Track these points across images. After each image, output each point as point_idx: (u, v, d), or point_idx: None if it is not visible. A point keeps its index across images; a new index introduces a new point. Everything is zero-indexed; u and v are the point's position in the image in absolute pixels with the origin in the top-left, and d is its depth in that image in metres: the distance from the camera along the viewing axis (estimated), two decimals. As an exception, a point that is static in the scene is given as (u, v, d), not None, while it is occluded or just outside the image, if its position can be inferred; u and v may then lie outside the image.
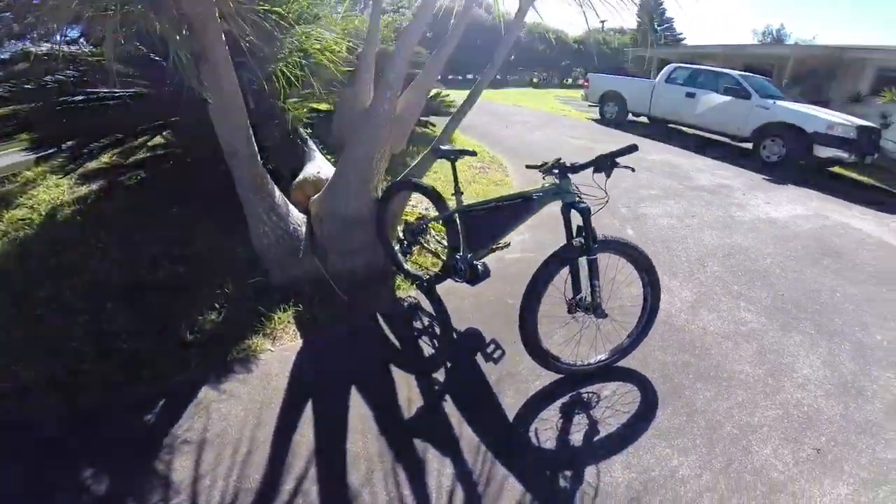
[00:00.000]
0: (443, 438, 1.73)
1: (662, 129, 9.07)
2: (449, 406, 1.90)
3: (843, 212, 5.15)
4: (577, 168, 1.90)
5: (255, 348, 2.07)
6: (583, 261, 1.92)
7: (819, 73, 8.63)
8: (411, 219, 2.99)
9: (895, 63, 8.03)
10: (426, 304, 2.61)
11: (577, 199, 1.91)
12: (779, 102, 6.65)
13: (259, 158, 2.39)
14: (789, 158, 6.39)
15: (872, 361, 2.57)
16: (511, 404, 1.94)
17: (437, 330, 2.42)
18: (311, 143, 3.36)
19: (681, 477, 1.68)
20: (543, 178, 2.07)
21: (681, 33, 20.05)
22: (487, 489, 1.56)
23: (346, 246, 2.65)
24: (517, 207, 2.08)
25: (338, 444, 1.65)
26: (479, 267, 2.29)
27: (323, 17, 3.14)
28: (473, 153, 2.38)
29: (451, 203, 2.41)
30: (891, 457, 1.89)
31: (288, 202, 2.64)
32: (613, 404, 2.01)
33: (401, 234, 2.87)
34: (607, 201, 1.90)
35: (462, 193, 2.34)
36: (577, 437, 1.82)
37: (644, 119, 9.33)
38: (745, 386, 2.26)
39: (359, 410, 1.82)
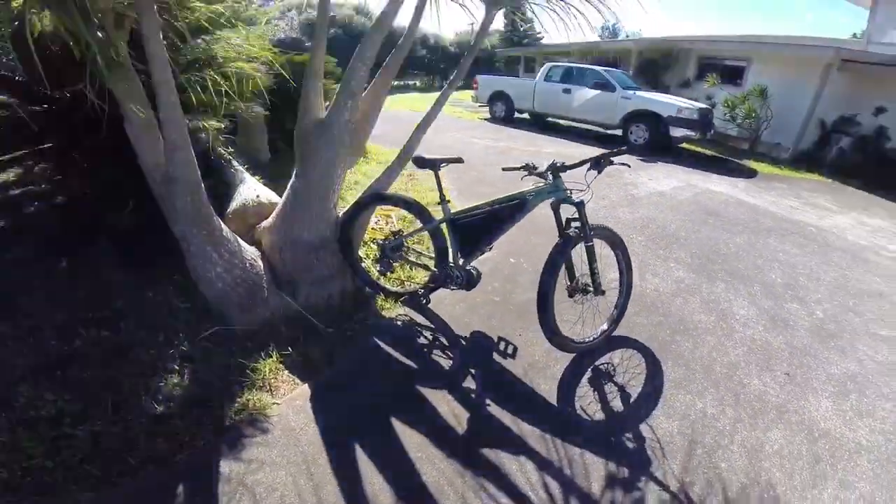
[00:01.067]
0: (507, 439, 1.80)
1: (543, 124, 10.18)
2: (494, 408, 1.96)
3: (704, 180, 6.45)
4: (567, 167, 2.16)
5: (257, 405, 1.82)
6: (579, 247, 2.18)
7: (658, 64, 10.65)
8: (380, 236, 2.88)
9: (711, 52, 10.29)
10: (420, 318, 2.56)
11: (569, 194, 2.12)
12: (638, 93, 8.05)
13: (203, 186, 2.06)
14: (652, 140, 7.70)
15: (780, 297, 3.29)
16: (548, 390, 2.10)
17: (444, 340, 2.41)
18: (235, 163, 2.98)
19: (712, 415, 2.04)
20: (521, 179, 2.29)
21: (539, 32, 22.61)
22: (574, 470, 1.69)
23: (315, 274, 2.45)
24: (513, 209, 2.20)
25: (413, 478, 1.58)
26: (473, 272, 2.34)
27: (244, 21, 2.81)
28: (460, 160, 2.38)
29: (436, 213, 2.40)
30: (838, 371, 2.50)
31: (235, 235, 2.31)
32: (627, 369, 2.32)
33: (372, 254, 2.74)
34: (580, 201, 2.14)
35: (449, 201, 2.34)
36: (616, 404, 2.07)
37: (525, 115, 10.32)
38: (708, 332, 2.73)
39: (412, 439, 1.75)
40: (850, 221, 5.54)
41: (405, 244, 2.55)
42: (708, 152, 8.93)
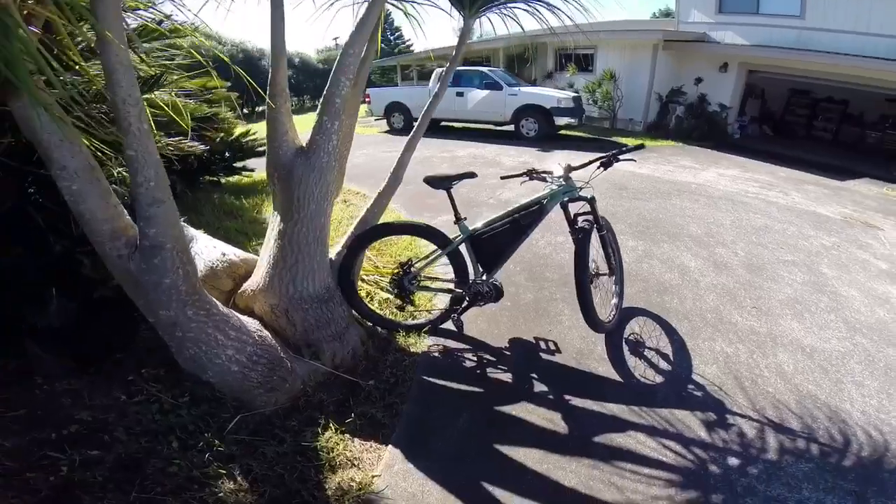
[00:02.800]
0: (604, 421, 2.01)
1: (438, 129, 10.52)
2: (575, 401, 2.13)
3: (589, 157, 7.37)
4: (576, 168, 2.45)
5: (357, 486, 1.64)
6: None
7: (523, 59, 11.83)
8: (383, 273, 2.71)
9: (564, 44, 11.68)
10: (452, 343, 2.53)
11: (579, 191, 2.33)
12: (522, 89, 8.93)
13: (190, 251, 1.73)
14: (541, 131, 8.55)
15: (708, 245, 4.05)
16: (605, 370, 2.35)
17: (488, 356, 2.45)
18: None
19: (733, 353, 2.53)
20: (521, 184, 2.56)
21: (409, 40, 23.32)
22: (674, 426, 1.98)
23: (333, 330, 2.24)
24: (533, 214, 2.34)
25: (555, 486, 1.69)
26: (499, 285, 2.39)
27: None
28: (474, 175, 2.39)
29: (451, 234, 2.42)
30: (783, 296, 3.22)
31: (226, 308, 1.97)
32: (649, 334, 2.70)
33: (373, 293, 2.57)
34: (592, 196, 2.45)
35: (465, 219, 2.32)
36: (662, 365, 2.43)
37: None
38: (682, 287, 3.32)
39: (528, 454, 1.83)
40: (713, 175, 6.86)
41: (420, 273, 2.44)
42: (582, 135, 10.26)
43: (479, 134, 9.97)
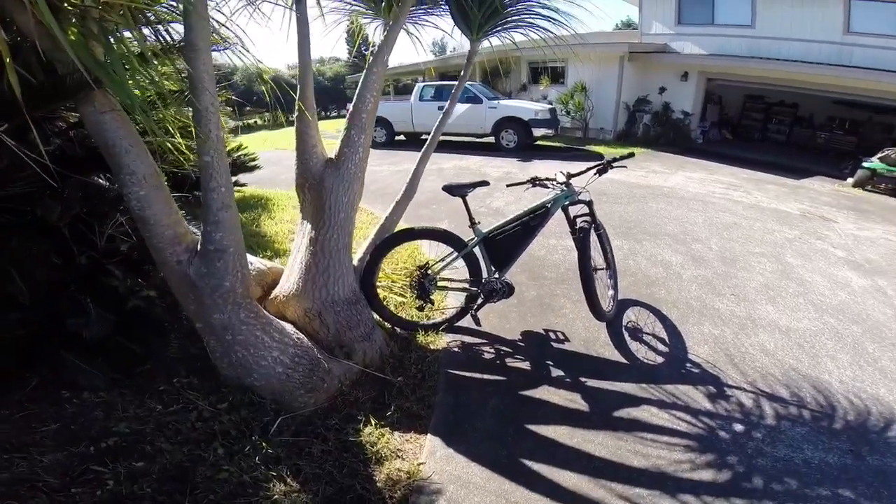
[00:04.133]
0: (620, 399, 2.23)
1: (419, 142, 10.73)
2: (591, 382, 2.35)
3: (576, 168, 7.70)
4: (575, 175, 2.66)
5: (406, 476, 1.75)
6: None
7: (498, 72, 12.22)
8: (394, 279, 2.85)
9: (536, 57, 12.19)
10: (469, 339, 2.68)
11: (579, 195, 2.54)
12: (501, 102, 9.25)
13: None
14: (520, 142, 8.88)
15: (685, 242, 4.39)
16: (611, 355, 2.57)
17: (505, 348, 2.62)
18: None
19: (720, 334, 2.80)
20: (524, 191, 2.74)
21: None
22: (681, 399, 2.21)
23: (363, 331, 2.37)
24: (540, 217, 2.54)
25: (585, 457, 1.84)
26: (510, 282, 2.57)
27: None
28: (486, 183, 2.58)
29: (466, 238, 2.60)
30: (756, 284, 3.62)
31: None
32: (644, 321, 2.95)
33: (394, 296, 2.73)
34: (590, 199, 2.69)
35: (479, 223, 2.51)
36: (661, 347, 2.67)
37: (401, 137, 10.74)
38: (667, 279, 3.60)
39: (557, 431, 1.99)
40: (682, 179, 7.29)
41: (438, 275, 2.61)
42: (558, 145, 10.67)
43: (461, 146, 10.21)
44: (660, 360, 2.52)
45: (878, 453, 1.89)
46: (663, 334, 2.77)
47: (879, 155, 7.58)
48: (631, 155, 2.74)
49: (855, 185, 7.64)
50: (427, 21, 2.90)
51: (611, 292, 2.95)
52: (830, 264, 4.05)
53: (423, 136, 10.60)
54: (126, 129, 1.52)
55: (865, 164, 7.59)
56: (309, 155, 2.26)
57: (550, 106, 9.74)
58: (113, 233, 2.23)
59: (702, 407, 2.13)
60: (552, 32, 2.65)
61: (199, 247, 1.74)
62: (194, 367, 2.06)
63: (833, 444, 1.93)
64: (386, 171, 7.70)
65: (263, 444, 1.74)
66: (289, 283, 2.33)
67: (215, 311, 1.78)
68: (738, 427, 2.00)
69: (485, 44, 2.75)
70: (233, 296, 1.77)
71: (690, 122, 10.94)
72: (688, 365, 2.46)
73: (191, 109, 1.58)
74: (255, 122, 22.33)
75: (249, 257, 2.57)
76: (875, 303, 3.32)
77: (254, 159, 5.32)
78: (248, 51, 1.72)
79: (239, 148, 5.31)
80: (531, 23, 2.62)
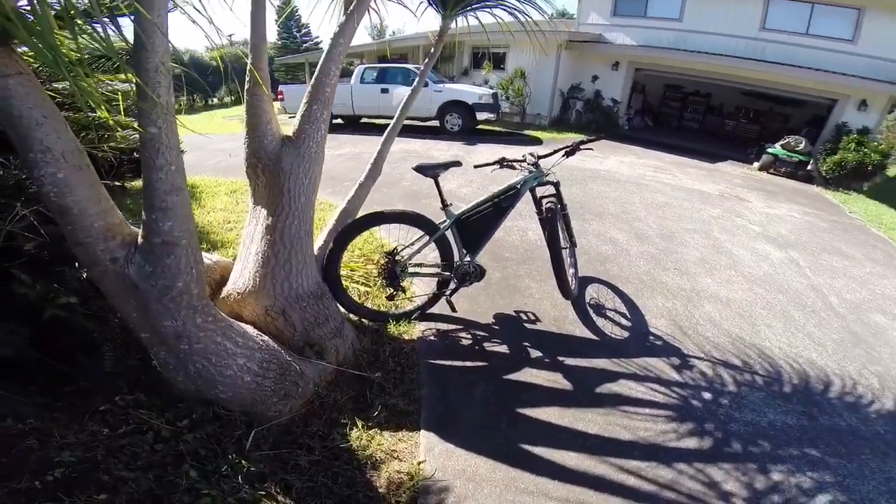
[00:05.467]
0: (597, 373, 2.30)
1: (358, 125, 10.30)
2: (569, 360, 2.38)
3: (518, 151, 7.79)
4: (544, 156, 2.64)
5: (408, 475, 1.64)
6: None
7: (442, 56, 11.97)
8: (369, 266, 2.65)
9: (482, 42, 12.13)
10: (443, 325, 2.59)
11: (546, 176, 2.50)
12: (447, 85, 9.05)
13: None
14: (464, 126, 8.82)
15: (628, 221, 4.53)
16: (581, 332, 2.64)
17: (481, 333, 2.56)
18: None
19: (672, 307, 2.96)
20: (491, 171, 2.69)
21: (318, 37, 22.10)
22: (650, 371, 2.29)
23: (332, 326, 2.17)
24: (511, 198, 2.47)
25: (571, 430, 1.85)
26: (481, 265, 2.51)
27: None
28: (459, 163, 2.45)
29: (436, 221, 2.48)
30: (693, 258, 3.92)
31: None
32: (605, 297, 3.06)
33: (356, 285, 2.55)
34: (557, 181, 2.70)
35: (451, 205, 2.39)
36: (624, 322, 2.78)
37: (339, 121, 10.21)
38: (617, 256, 3.78)
39: (545, 411, 1.98)
40: (615, 163, 7.67)
41: (408, 260, 2.46)
42: (499, 129, 10.75)
43: (405, 130, 9.85)
44: (625, 334, 2.60)
45: (827, 414, 2.10)
46: (623, 309, 2.88)
47: (781, 142, 8.52)
48: (599, 138, 2.76)
49: (760, 169, 8.54)
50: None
51: (572, 270, 2.99)
52: (751, 239, 4.47)
53: (364, 119, 10.20)
54: (37, 96, 1.19)
55: (769, 150, 8.50)
56: (263, 132, 1.98)
57: (493, 91, 9.74)
58: (13, 229, 1.83)
59: (671, 378, 2.23)
60: (515, 15, 2.56)
61: (139, 240, 1.45)
62: (138, 382, 1.76)
63: (789, 407, 2.11)
64: (326, 154, 7.24)
65: (241, 461, 1.53)
66: (243, 278, 2.06)
67: (166, 318, 1.50)
68: (707, 395, 2.13)
69: (431, 27, 2.62)
70: (187, 298, 1.50)
71: (619, 110, 11.52)
72: (650, 338, 2.57)
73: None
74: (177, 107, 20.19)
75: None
76: (792, 273, 3.71)
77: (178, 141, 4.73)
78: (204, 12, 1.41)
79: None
80: (505, 4, 2.51)
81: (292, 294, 2.04)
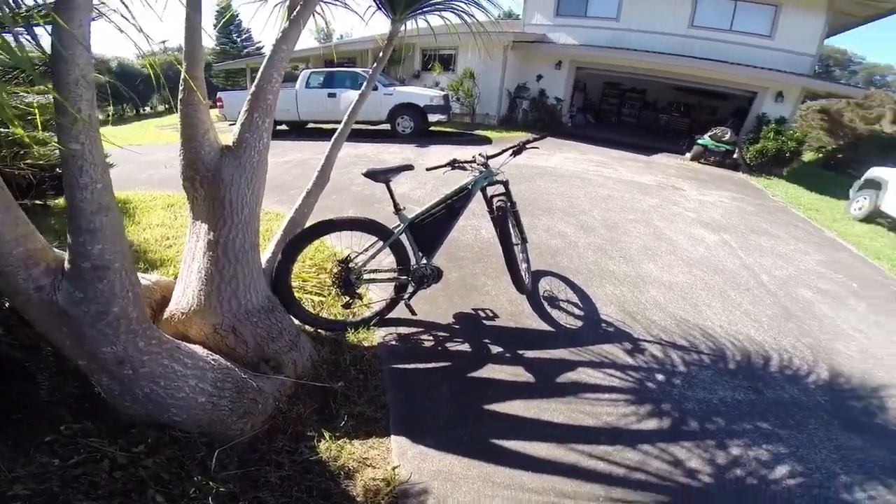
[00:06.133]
0: (557, 364, 2.35)
1: (304, 131, 10.01)
2: (528, 353, 2.44)
3: (470, 152, 7.91)
4: (492, 156, 2.67)
5: (385, 483, 1.63)
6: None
7: (392, 59, 11.87)
8: (322, 275, 2.58)
9: (431, 45, 12.11)
10: (403, 329, 2.57)
11: (496, 176, 2.58)
12: (398, 88, 9.01)
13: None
14: (416, 128, 8.83)
15: (574, 214, 4.73)
16: (537, 325, 2.71)
17: (442, 333, 2.57)
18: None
19: (621, 294, 3.13)
20: (443, 173, 2.69)
21: (259, 41, 21.12)
22: (604, 356, 2.40)
23: (287, 339, 2.10)
24: (463, 199, 2.50)
25: (535, 421, 1.92)
26: (438, 266, 2.53)
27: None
28: (411, 167, 2.44)
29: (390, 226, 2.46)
30: (636, 247, 4.13)
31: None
32: (557, 288, 3.17)
33: (309, 296, 2.49)
34: (506, 180, 2.77)
35: (404, 209, 2.39)
36: (577, 311, 2.90)
37: (283, 126, 9.87)
38: (566, 248, 3.95)
39: (511, 405, 2.03)
40: (560, 159, 7.95)
41: (363, 267, 2.43)
42: (450, 130, 10.85)
43: (354, 134, 9.64)
44: (579, 323, 2.71)
45: (771, 387, 2.28)
46: (575, 299, 2.99)
47: (709, 133, 9.18)
48: (543, 136, 2.85)
49: (692, 159, 9.16)
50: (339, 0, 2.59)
51: (525, 265, 3.07)
52: (687, 224, 4.79)
53: (310, 125, 9.94)
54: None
55: (699, 141, 9.13)
56: (200, 142, 1.88)
57: (444, 92, 9.81)
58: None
59: (626, 362, 2.34)
60: (463, 17, 2.59)
61: (66, 265, 1.34)
62: (82, 409, 1.64)
63: (735, 383, 2.27)
64: (271, 162, 6.75)
65: (209, 482, 1.46)
66: (186, 297, 1.95)
67: (103, 344, 1.40)
68: (660, 377, 2.25)
69: (380, 30, 2.60)
70: (125, 322, 1.41)
71: (562, 108, 11.95)
72: (603, 325, 2.69)
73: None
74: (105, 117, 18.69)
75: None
76: (726, 254, 4.01)
77: (104, 156, 4.37)
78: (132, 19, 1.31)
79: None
80: (454, 6, 2.53)
81: (241, 310, 1.96)
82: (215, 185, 1.90)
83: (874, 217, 6.43)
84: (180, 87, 1.81)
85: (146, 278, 2.17)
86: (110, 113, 18.92)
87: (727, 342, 2.62)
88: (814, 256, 4.32)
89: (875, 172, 6.74)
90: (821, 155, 13.50)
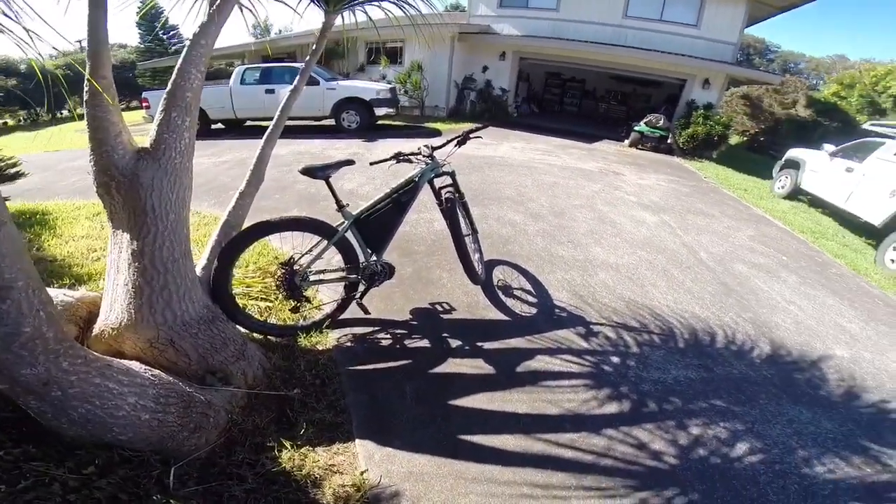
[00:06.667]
0: (513, 353, 2.39)
1: (243, 129, 9.50)
2: (487, 344, 2.47)
3: (417, 144, 7.86)
4: (437, 147, 2.64)
5: (354, 486, 1.59)
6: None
7: (336, 52, 11.49)
8: (267, 279, 2.44)
9: (374, 38, 11.81)
10: (359, 329, 2.50)
11: (442, 167, 2.59)
12: (341, 83, 8.71)
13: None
14: (363, 123, 8.63)
15: (522, 203, 4.83)
16: (494, 315, 2.74)
17: (400, 330, 2.54)
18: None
19: (572, 279, 3.22)
20: (388, 167, 2.61)
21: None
22: (559, 342, 2.47)
23: (232, 349, 1.99)
24: (410, 192, 2.47)
25: (499, 412, 1.95)
26: (389, 262, 2.51)
27: None
28: (352, 162, 2.34)
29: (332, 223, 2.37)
30: (583, 230, 4.22)
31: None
32: (511, 277, 3.21)
33: (255, 301, 2.37)
34: (453, 171, 2.74)
35: (348, 206, 2.31)
36: (530, 299, 2.95)
37: (219, 125, 9.30)
38: (517, 236, 4.04)
39: (475, 399, 2.05)
40: (507, 149, 8.09)
41: (307, 268, 2.33)
42: (399, 123, 10.70)
43: (297, 130, 9.36)
44: (533, 311, 2.76)
45: (720, 364, 2.40)
46: (528, 286, 3.05)
47: (644, 120, 9.67)
48: (485, 126, 2.85)
49: (630, 146, 9.62)
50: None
51: (477, 255, 3.09)
52: (629, 207, 5.02)
53: (248, 123, 9.43)
54: None
55: (636, 128, 9.61)
56: (112, 146, 1.70)
57: (391, 85, 9.62)
58: None
59: (581, 347, 2.41)
60: (406, 9, 2.52)
61: (-39, 288, 1.18)
62: (21, 433, 1.51)
63: (686, 362, 2.38)
64: (207, 162, 6.59)
65: (169, 500, 1.38)
66: (114, 312, 1.78)
67: (22, 367, 1.26)
68: (615, 359, 2.33)
69: (317, 24, 2.48)
70: (41, 343, 1.27)
71: (507, 98, 12.13)
72: (556, 311, 2.76)
73: None
74: (6, 122, 16.71)
75: (48, 290, 1.89)
76: (666, 234, 4.25)
77: (14, 164, 3.92)
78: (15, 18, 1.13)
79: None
80: None
81: (178, 322, 1.82)
82: (134, 190, 1.74)
83: (795, 194, 7.08)
84: (85, 89, 1.63)
85: (70, 294, 1.98)
86: (21, 117, 17.05)
87: (675, 321, 2.77)
88: (745, 232, 4.67)
89: (793, 153, 7.42)
90: (745, 138, 14.67)
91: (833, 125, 13.27)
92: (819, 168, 6.64)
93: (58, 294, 1.90)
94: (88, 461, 1.42)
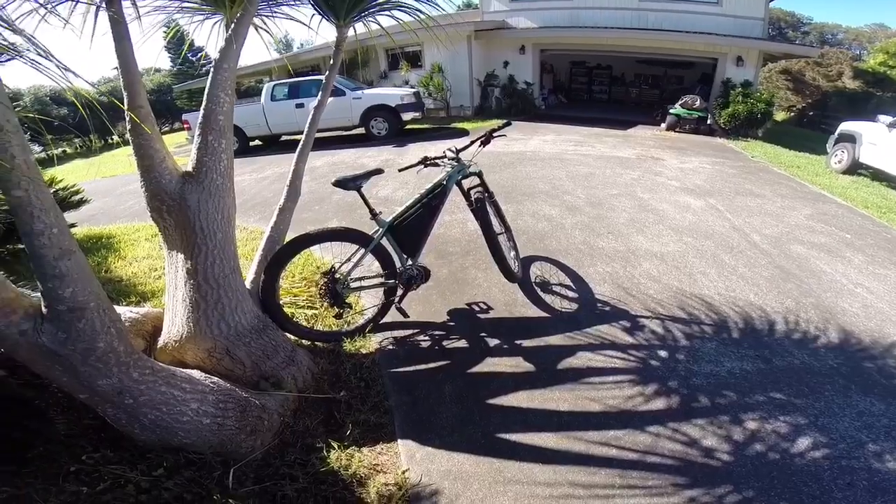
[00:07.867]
0: (557, 351, 2.35)
1: (279, 144, 9.89)
2: (526, 342, 2.44)
3: (448, 146, 7.88)
4: (462, 149, 2.67)
5: (396, 486, 1.63)
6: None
7: (356, 62, 11.78)
8: (312, 289, 2.58)
9: (392, 45, 11.96)
10: (399, 332, 2.56)
11: (469, 168, 2.61)
12: (366, 91, 8.91)
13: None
14: (392, 129, 8.78)
15: (558, 196, 4.72)
16: (533, 312, 2.70)
17: (439, 332, 2.56)
18: None
19: (613, 271, 3.12)
20: (417, 171, 2.68)
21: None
22: (603, 338, 2.41)
23: (283, 356, 2.10)
24: (439, 196, 2.50)
25: (543, 413, 1.92)
26: (425, 266, 2.55)
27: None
28: (381, 171, 2.43)
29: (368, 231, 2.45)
30: (623, 221, 4.12)
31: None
32: (549, 273, 3.16)
33: (302, 310, 2.48)
34: (480, 171, 2.75)
35: (381, 213, 2.37)
36: (571, 294, 2.89)
37: (257, 142, 9.74)
38: (554, 231, 3.94)
39: (516, 397, 2.04)
40: (538, 142, 7.96)
41: (348, 276, 2.41)
42: (426, 126, 10.79)
43: (330, 142, 9.66)
44: (574, 306, 2.71)
45: (779, 354, 2.24)
46: (568, 282, 3.00)
47: (680, 102, 9.26)
48: (508, 124, 2.83)
49: (667, 129, 9.24)
50: (278, 12, 2.53)
51: (513, 253, 3.07)
52: (672, 193, 4.82)
53: (284, 138, 9.80)
54: None
55: (671, 111, 9.22)
56: (159, 172, 1.84)
57: (414, 90, 9.75)
58: None
59: (625, 342, 2.35)
60: (417, 15, 2.57)
61: (44, 309, 1.32)
62: (100, 439, 1.67)
63: (742, 353, 2.25)
64: (249, 179, 6.92)
65: (229, 499, 1.49)
66: (175, 326, 1.92)
67: (99, 378, 1.41)
68: (663, 353, 2.25)
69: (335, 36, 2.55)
70: (114, 356, 1.41)
71: (533, 91, 11.96)
72: (598, 305, 2.70)
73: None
74: (64, 151, 18.17)
75: (117, 308, 2.06)
76: (714, 218, 4.05)
77: (77, 192, 4.25)
78: (50, 57, 1.24)
79: (52, 181, 4.19)
80: (403, 5, 2.50)
81: (232, 333, 1.93)
82: (182, 213, 1.87)
83: (854, 169, 6.57)
84: (126, 121, 1.76)
85: (136, 311, 2.15)
86: (77, 145, 18.49)
87: (728, 310, 2.62)
88: (802, 212, 4.38)
89: (846, 126, 6.89)
90: (792, 114, 13.73)
91: (887, 95, 12.21)
92: (878, 140, 6.15)
93: (125, 311, 2.06)
94: (158, 464, 1.54)
